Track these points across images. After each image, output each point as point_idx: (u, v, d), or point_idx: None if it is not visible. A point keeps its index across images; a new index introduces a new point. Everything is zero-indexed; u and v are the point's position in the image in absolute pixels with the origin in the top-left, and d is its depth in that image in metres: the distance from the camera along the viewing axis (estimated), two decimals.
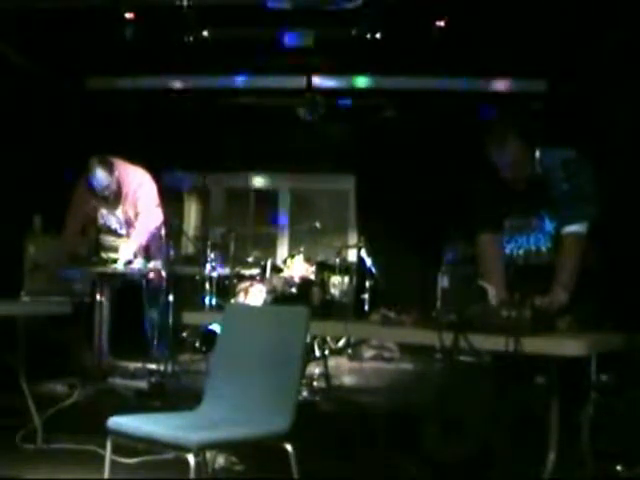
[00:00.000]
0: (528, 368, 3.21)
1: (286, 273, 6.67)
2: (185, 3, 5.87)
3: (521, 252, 3.51)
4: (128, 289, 5.83)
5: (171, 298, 5.63)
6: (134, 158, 5.95)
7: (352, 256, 7.85)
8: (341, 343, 7.30)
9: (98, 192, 5.68)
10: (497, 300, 3.05)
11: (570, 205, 3.32)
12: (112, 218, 5.85)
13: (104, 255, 5.88)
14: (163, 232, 5.79)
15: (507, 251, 3.54)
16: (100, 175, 5.60)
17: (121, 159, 5.82)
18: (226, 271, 6.94)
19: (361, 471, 3.70)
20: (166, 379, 5.40)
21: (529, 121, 3.46)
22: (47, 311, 4.21)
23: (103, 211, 5.85)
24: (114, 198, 5.74)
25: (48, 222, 5.25)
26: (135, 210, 5.76)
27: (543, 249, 3.46)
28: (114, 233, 5.91)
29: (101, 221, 5.89)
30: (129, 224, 5.81)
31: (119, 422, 2.66)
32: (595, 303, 3.28)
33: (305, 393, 5.21)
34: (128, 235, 5.84)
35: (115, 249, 5.87)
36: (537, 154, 3.38)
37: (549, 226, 3.42)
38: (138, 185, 5.76)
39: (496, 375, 3.32)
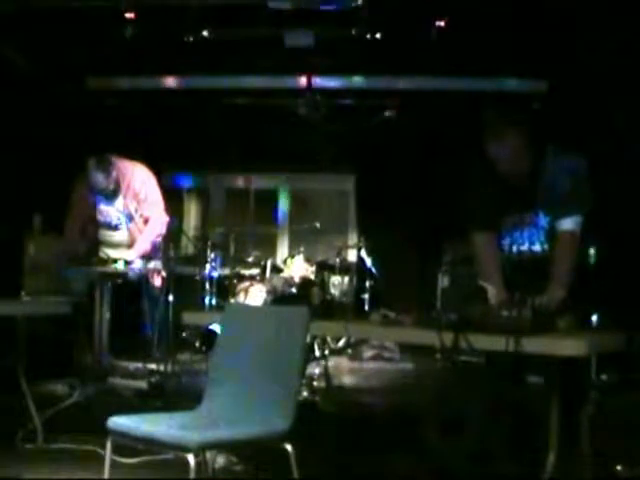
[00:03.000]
0: (520, 368, 3.22)
1: (286, 273, 6.67)
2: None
3: (515, 248, 3.51)
4: (128, 289, 5.83)
5: (171, 298, 5.63)
6: (134, 158, 5.95)
7: (352, 256, 7.84)
8: (341, 343, 7.30)
9: (97, 191, 5.69)
10: (497, 300, 3.06)
11: (563, 201, 3.32)
12: (111, 212, 5.84)
13: (102, 253, 5.88)
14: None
15: (502, 247, 3.54)
16: (98, 175, 5.60)
17: (120, 157, 5.82)
18: (226, 271, 6.94)
19: (361, 471, 3.70)
20: (166, 379, 5.39)
21: (529, 117, 3.45)
22: (47, 311, 4.21)
23: (102, 207, 5.85)
24: (113, 194, 5.74)
25: (48, 222, 5.24)
26: (137, 205, 5.76)
27: (537, 244, 3.46)
28: (114, 228, 5.90)
29: (100, 218, 5.89)
30: (130, 217, 5.81)
31: (119, 422, 2.65)
32: (595, 303, 3.28)
33: (305, 393, 5.21)
34: (128, 229, 5.83)
35: (112, 244, 5.87)
36: (545, 157, 3.37)
37: (543, 221, 3.41)
38: (141, 183, 5.76)
39: (490, 375, 3.32)
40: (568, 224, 3.32)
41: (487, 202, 3.54)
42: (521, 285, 3.01)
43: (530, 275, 3.30)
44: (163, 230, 5.81)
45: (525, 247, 3.47)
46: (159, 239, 5.81)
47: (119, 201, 5.78)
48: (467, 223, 3.60)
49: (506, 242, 3.52)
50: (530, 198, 3.41)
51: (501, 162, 3.37)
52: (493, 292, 3.05)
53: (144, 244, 5.75)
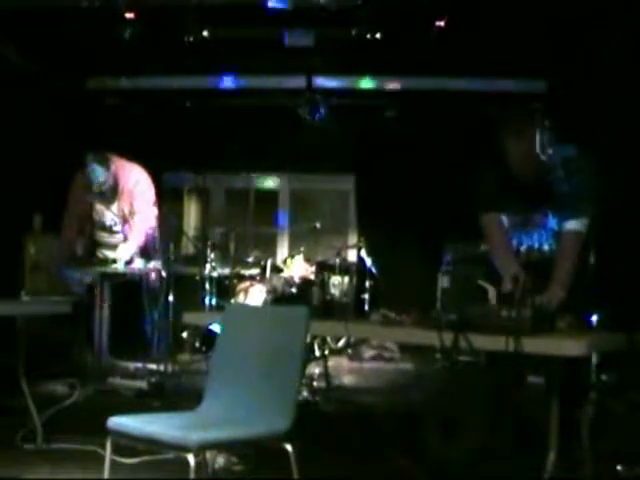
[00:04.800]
0: (522, 368, 3.22)
1: (286, 273, 6.67)
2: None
3: (523, 249, 3.52)
4: (128, 289, 5.83)
5: (171, 298, 5.63)
6: (134, 158, 5.95)
7: (352, 256, 7.85)
8: (341, 343, 7.30)
9: (95, 188, 5.68)
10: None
11: (570, 202, 3.33)
12: (107, 214, 5.84)
13: (100, 253, 5.88)
14: (157, 232, 5.82)
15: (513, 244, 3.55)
16: (97, 170, 5.60)
17: (118, 156, 5.83)
18: (226, 271, 6.94)
19: (361, 471, 3.70)
20: (166, 379, 5.40)
21: (545, 117, 3.46)
22: (47, 311, 4.21)
23: (98, 207, 5.85)
24: (110, 194, 5.74)
25: (48, 222, 5.25)
26: (130, 207, 5.75)
27: (545, 246, 3.47)
28: (108, 230, 5.90)
29: (96, 217, 5.89)
30: (124, 221, 5.81)
31: (119, 422, 2.65)
32: (595, 303, 3.29)
33: (305, 393, 5.21)
34: (123, 232, 5.83)
35: (110, 246, 5.86)
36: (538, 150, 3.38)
37: (552, 223, 3.43)
38: (135, 182, 5.77)
39: (490, 375, 3.33)
40: (573, 224, 3.34)
41: (496, 186, 3.55)
42: (528, 285, 3.02)
43: (537, 276, 3.30)
44: (153, 222, 5.80)
45: (533, 249, 3.49)
46: (152, 231, 5.81)
47: (115, 205, 5.79)
48: (475, 205, 3.61)
49: (515, 243, 3.53)
50: (538, 198, 3.42)
51: (518, 159, 3.37)
52: (493, 292, 3.06)
53: (137, 239, 5.73)
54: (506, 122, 3.42)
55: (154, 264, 5.76)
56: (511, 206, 3.52)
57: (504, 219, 3.57)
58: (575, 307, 3.17)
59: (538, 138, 3.32)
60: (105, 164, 5.62)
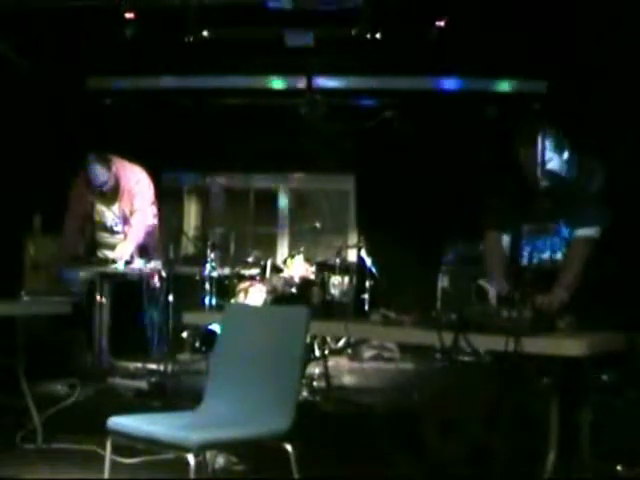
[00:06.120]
0: (530, 369, 3.22)
1: (286, 273, 6.67)
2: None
3: (536, 256, 3.52)
4: (128, 289, 5.83)
5: (171, 298, 5.63)
6: (134, 158, 5.95)
7: (352, 256, 7.84)
8: (341, 343, 7.30)
9: (96, 188, 5.68)
10: (498, 289, 3.07)
11: (579, 210, 3.35)
12: (108, 215, 5.85)
13: (100, 254, 5.88)
14: (157, 231, 5.82)
15: (524, 254, 3.56)
16: (98, 171, 5.61)
17: (119, 157, 5.83)
18: (226, 271, 6.94)
19: (361, 471, 3.70)
20: (166, 379, 5.40)
21: (557, 122, 3.47)
22: (47, 311, 4.21)
23: (99, 207, 5.86)
24: (111, 194, 5.75)
25: (48, 222, 5.24)
26: (131, 207, 5.77)
27: (558, 254, 3.48)
28: (109, 230, 5.91)
29: (97, 218, 5.89)
30: (125, 221, 5.82)
31: (119, 422, 2.66)
32: (595, 303, 3.29)
33: (305, 393, 5.21)
34: (124, 232, 5.84)
35: (110, 246, 5.87)
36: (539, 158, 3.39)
37: (565, 232, 3.45)
38: (136, 182, 5.78)
39: (497, 375, 3.32)
40: (582, 232, 3.36)
41: (505, 202, 3.56)
42: (538, 291, 3.03)
43: (548, 283, 3.31)
44: (151, 220, 5.80)
45: (546, 256, 3.50)
46: (151, 229, 5.82)
47: (116, 206, 5.79)
48: (483, 221, 3.63)
49: (529, 250, 3.54)
50: (552, 206, 3.43)
51: (531, 168, 3.37)
52: (493, 292, 3.06)
53: (135, 237, 5.73)
54: (521, 130, 3.43)
55: (154, 264, 5.77)
56: (525, 216, 3.53)
57: (505, 239, 3.59)
58: (575, 307, 3.18)
59: (540, 145, 3.33)
60: (106, 165, 5.63)
